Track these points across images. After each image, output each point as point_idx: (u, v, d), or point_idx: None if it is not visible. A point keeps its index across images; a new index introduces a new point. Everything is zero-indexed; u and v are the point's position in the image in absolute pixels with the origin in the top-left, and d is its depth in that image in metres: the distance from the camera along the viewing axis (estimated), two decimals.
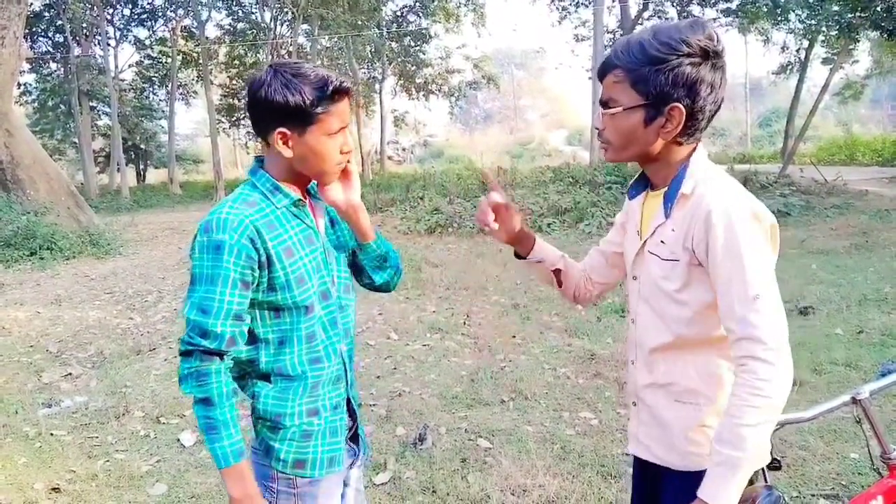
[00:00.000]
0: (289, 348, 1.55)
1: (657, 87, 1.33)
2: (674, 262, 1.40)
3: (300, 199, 1.57)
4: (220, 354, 1.46)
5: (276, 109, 1.46)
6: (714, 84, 1.34)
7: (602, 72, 1.42)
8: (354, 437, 1.73)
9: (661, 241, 1.42)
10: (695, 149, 1.43)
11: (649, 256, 1.47)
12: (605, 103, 1.41)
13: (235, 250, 1.44)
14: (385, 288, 1.80)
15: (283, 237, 1.52)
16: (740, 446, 1.25)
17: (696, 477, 1.37)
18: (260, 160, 1.61)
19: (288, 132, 1.48)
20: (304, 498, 1.60)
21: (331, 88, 1.46)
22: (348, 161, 1.59)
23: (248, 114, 1.56)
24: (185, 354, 1.46)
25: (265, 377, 1.57)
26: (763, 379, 1.26)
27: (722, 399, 1.40)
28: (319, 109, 1.46)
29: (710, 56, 1.32)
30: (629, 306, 1.60)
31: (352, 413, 1.71)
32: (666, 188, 1.43)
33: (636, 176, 1.58)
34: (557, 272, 1.75)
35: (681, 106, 1.33)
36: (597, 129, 1.47)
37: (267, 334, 1.54)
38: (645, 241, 1.48)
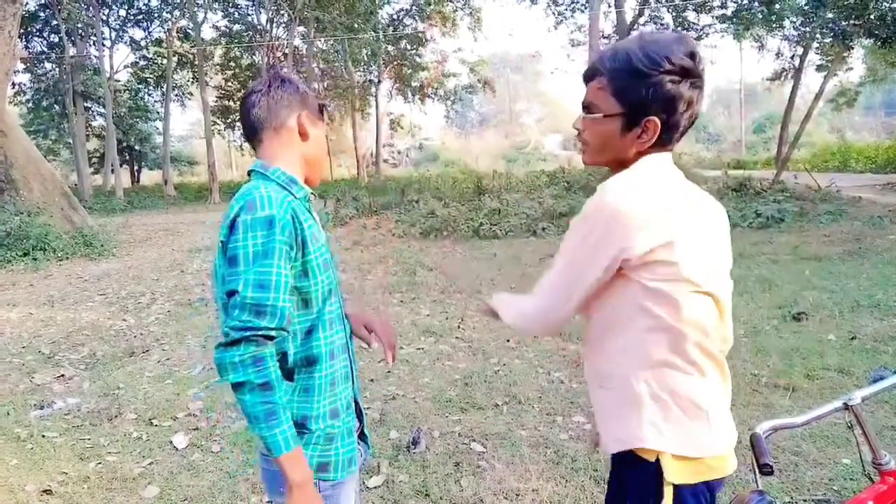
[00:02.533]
0: (315, 335, 1.56)
1: (637, 98, 1.37)
2: None
3: (311, 194, 1.64)
4: (273, 338, 1.41)
5: (298, 93, 1.59)
6: (691, 101, 1.39)
7: (588, 76, 1.47)
8: (361, 434, 1.76)
9: None
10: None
11: None
12: (587, 107, 1.47)
13: (281, 225, 1.42)
14: None
15: (308, 223, 1.54)
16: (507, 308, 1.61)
17: (621, 459, 1.46)
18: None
19: (310, 116, 1.62)
20: (328, 502, 1.57)
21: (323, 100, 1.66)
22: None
23: (268, 105, 1.60)
24: (233, 343, 1.38)
25: (289, 374, 1.54)
26: (530, 304, 1.52)
27: (628, 386, 1.43)
28: (323, 105, 1.66)
29: (690, 75, 1.37)
30: None
31: (358, 413, 1.73)
32: None
33: None
34: None
35: (657, 119, 1.38)
36: (576, 129, 1.52)
37: (294, 326, 1.52)
38: None
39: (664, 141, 1.42)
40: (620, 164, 1.48)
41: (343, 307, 1.70)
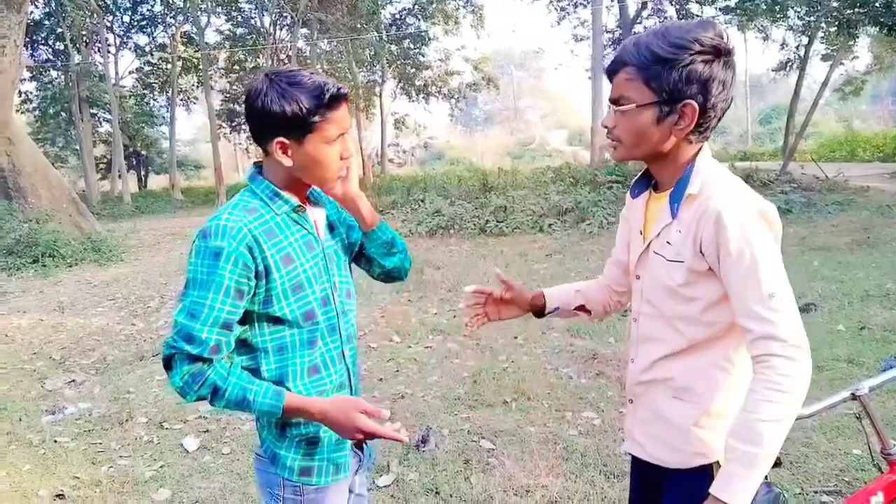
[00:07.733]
0: (290, 354, 1.54)
1: (671, 84, 1.32)
2: (678, 264, 1.40)
3: (300, 206, 1.56)
4: (204, 360, 1.44)
5: (273, 119, 1.44)
6: (725, 82, 1.35)
7: (612, 70, 1.41)
8: (359, 443, 1.72)
9: (668, 242, 1.42)
10: (700, 148, 1.43)
11: (654, 257, 1.47)
12: (616, 101, 1.40)
13: (233, 258, 1.42)
14: (397, 274, 1.79)
15: (283, 244, 1.50)
16: (756, 442, 1.24)
17: (691, 475, 1.39)
18: (259, 166, 1.59)
19: (286, 141, 1.47)
20: None
21: (327, 96, 1.44)
22: (349, 167, 1.58)
23: (246, 123, 1.54)
24: (168, 362, 1.45)
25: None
26: (782, 374, 1.24)
27: (717, 400, 1.41)
28: (317, 118, 1.44)
29: (722, 54, 1.33)
30: (632, 305, 1.61)
31: None
32: (671, 189, 1.43)
33: (638, 175, 1.58)
34: (581, 308, 1.78)
35: (694, 103, 1.33)
36: (605, 127, 1.46)
37: (265, 344, 1.53)
38: (650, 242, 1.49)
39: (703, 126, 1.38)
40: (657, 157, 1.44)
41: (339, 316, 1.63)
